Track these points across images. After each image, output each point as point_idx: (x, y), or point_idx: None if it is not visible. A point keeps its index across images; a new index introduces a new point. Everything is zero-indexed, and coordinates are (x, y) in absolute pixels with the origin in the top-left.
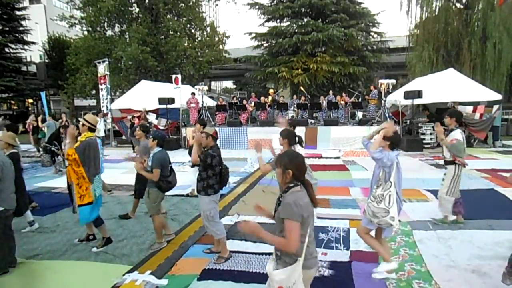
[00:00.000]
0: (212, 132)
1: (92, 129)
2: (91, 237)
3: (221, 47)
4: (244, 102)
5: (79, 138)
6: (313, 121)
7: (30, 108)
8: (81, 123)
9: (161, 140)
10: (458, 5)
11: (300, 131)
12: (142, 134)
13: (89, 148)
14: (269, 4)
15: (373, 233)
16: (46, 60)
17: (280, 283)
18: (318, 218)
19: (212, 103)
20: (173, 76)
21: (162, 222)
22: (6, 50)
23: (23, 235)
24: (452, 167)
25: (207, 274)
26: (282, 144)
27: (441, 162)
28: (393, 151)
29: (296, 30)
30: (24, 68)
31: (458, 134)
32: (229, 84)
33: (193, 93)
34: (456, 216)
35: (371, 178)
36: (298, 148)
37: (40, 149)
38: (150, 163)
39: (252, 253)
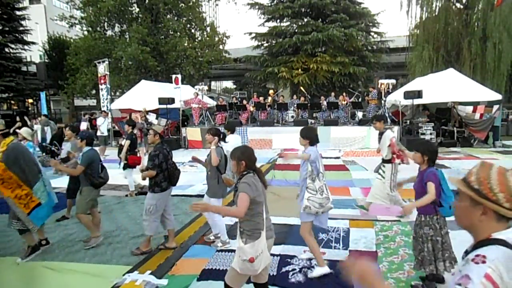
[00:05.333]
0: (160, 131)
1: (5, 134)
2: (43, 242)
3: (221, 47)
4: (244, 102)
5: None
6: (313, 121)
7: (30, 108)
8: None
9: (90, 139)
10: (458, 5)
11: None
12: (72, 134)
13: (15, 153)
14: (269, 4)
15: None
16: (46, 60)
17: (251, 254)
18: None
19: (212, 103)
20: (173, 76)
21: (91, 219)
22: (6, 50)
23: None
24: (389, 166)
25: (207, 274)
26: (209, 141)
27: (441, 162)
28: (312, 147)
29: (296, 30)
30: (24, 68)
31: (390, 133)
32: (229, 84)
33: (196, 93)
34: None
35: (300, 177)
36: (223, 144)
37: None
38: (79, 161)
39: None
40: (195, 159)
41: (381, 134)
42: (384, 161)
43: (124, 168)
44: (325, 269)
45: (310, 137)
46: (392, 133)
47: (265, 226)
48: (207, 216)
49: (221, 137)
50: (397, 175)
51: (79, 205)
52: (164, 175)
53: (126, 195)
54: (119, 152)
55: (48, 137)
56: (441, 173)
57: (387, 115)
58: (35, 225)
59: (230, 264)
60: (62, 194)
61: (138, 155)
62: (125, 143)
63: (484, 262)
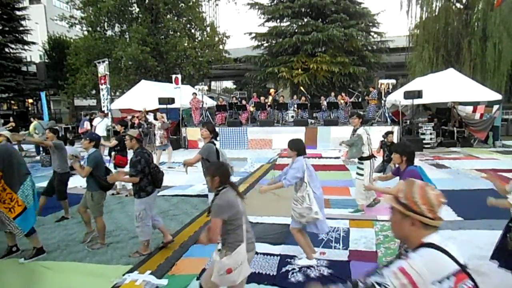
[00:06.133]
0: (135, 135)
1: None
2: (14, 248)
3: (221, 47)
4: (244, 102)
5: None
6: (313, 121)
7: (30, 108)
8: None
9: (98, 142)
10: (458, 5)
11: (300, 131)
12: (53, 136)
13: (2, 155)
14: (269, 4)
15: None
16: (46, 60)
17: (229, 266)
18: None
19: (212, 103)
20: (173, 76)
21: (87, 217)
22: (6, 50)
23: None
24: (368, 162)
25: None
26: (205, 137)
27: (442, 162)
28: (300, 157)
29: (296, 30)
30: (24, 68)
31: (361, 130)
32: (229, 84)
33: (194, 93)
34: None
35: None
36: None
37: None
38: (85, 162)
39: None
40: (188, 164)
41: (354, 131)
42: (362, 158)
43: (115, 168)
44: (312, 262)
45: (297, 149)
46: (362, 131)
47: (246, 238)
48: None
49: (215, 134)
50: (374, 169)
51: (94, 210)
52: (148, 180)
53: (126, 195)
54: (110, 151)
55: None
56: (420, 169)
57: (387, 115)
58: (21, 230)
59: (211, 275)
60: None
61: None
62: (112, 142)
63: (406, 259)
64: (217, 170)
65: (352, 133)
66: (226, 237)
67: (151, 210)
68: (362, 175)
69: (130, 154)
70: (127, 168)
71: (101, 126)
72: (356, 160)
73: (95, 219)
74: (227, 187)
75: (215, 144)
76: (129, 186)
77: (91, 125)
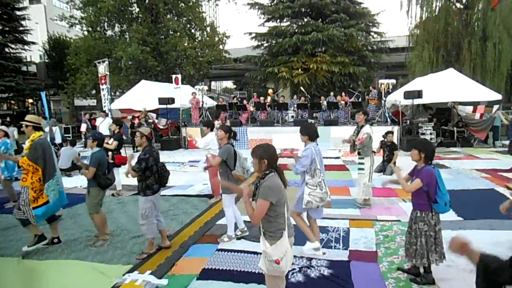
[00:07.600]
0: (147, 133)
1: (37, 127)
2: (55, 240)
3: (221, 47)
4: (244, 102)
5: (27, 142)
6: (313, 121)
7: (30, 108)
8: (24, 124)
9: (101, 141)
10: (458, 5)
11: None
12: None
13: (40, 148)
14: (269, 4)
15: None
16: (46, 60)
17: (276, 256)
18: None
19: (212, 103)
20: (173, 76)
21: (103, 220)
22: (6, 50)
23: (22, 235)
24: (368, 158)
25: (206, 274)
26: (221, 138)
27: (441, 162)
28: (311, 143)
29: (296, 30)
30: (24, 68)
31: (367, 129)
32: (229, 84)
33: (193, 93)
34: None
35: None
36: (232, 141)
37: None
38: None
39: (252, 253)
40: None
41: (360, 128)
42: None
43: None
44: (316, 244)
45: (308, 133)
46: (369, 129)
47: (287, 225)
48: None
49: (232, 134)
50: (374, 166)
51: (89, 206)
52: (155, 178)
53: (113, 194)
54: (106, 151)
55: (57, 136)
56: (437, 171)
57: (387, 115)
58: (36, 221)
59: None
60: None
61: (124, 154)
62: (113, 143)
63: None
64: (265, 153)
65: (357, 129)
66: (268, 225)
67: (157, 209)
68: (364, 169)
69: (126, 154)
70: (125, 167)
71: (103, 125)
72: (357, 156)
73: (90, 216)
74: (273, 172)
75: (233, 146)
76: (119, 186)
77: (93, 126)
